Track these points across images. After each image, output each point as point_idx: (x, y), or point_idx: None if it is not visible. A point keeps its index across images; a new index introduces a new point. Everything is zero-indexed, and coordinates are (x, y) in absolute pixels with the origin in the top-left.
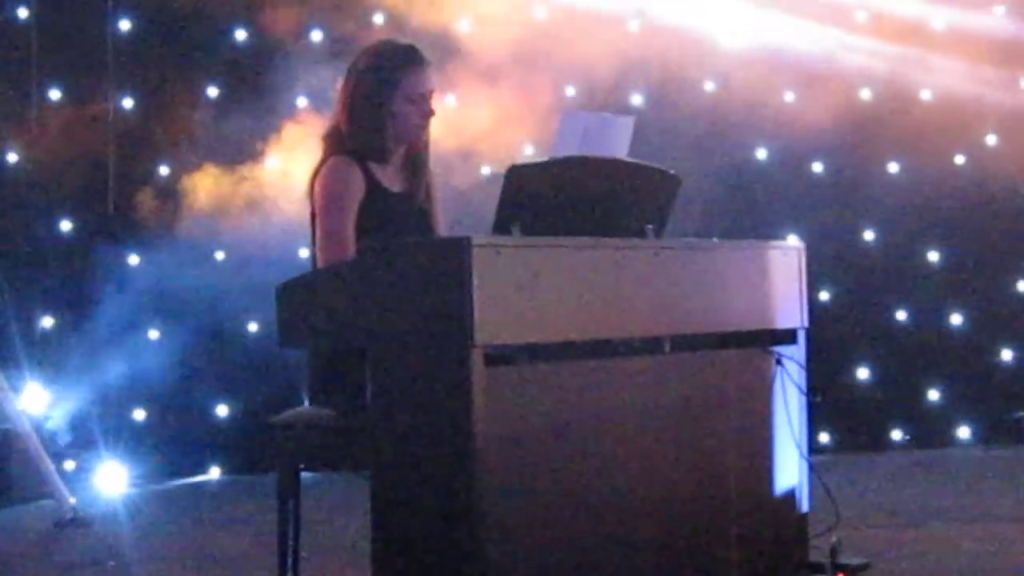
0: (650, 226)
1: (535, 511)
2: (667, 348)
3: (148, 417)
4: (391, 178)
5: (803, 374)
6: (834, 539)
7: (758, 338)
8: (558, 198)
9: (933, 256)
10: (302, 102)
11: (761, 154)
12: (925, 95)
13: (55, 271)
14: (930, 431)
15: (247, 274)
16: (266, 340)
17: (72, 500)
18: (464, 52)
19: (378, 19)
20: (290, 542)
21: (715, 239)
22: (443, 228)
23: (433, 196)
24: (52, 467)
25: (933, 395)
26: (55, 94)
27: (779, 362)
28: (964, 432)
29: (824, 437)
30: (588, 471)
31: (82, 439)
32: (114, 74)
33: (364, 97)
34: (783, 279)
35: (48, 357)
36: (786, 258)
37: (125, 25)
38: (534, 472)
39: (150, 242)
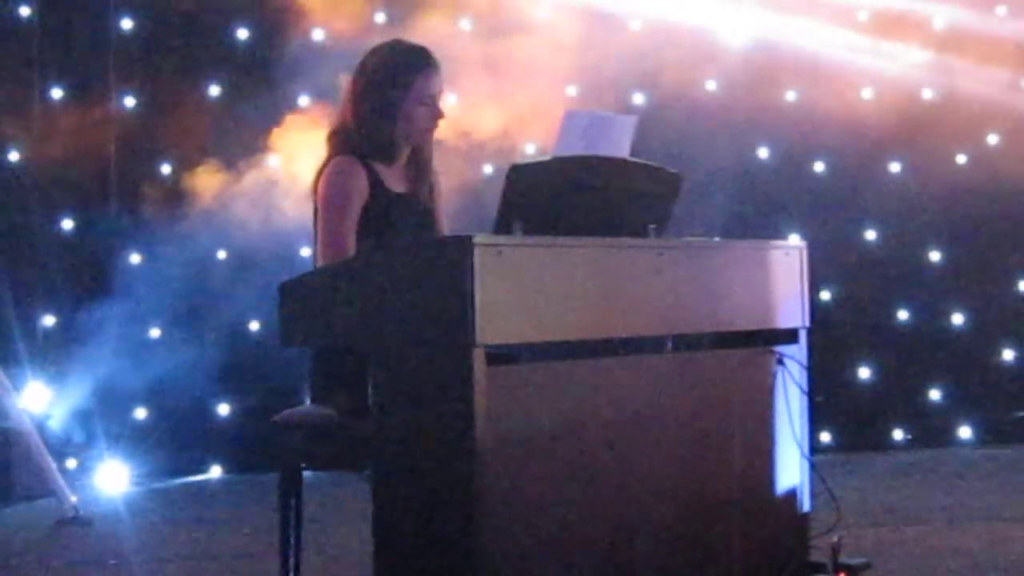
0: (652, 225)
1: (536, 510)
2: (669, 347)
3: (149, 416)
4: (395, 179)
5: (804, 374)
6: (835, 538)
7: (760, 337)
8: (560, 197)
9: (935, 256)
10: (304, 101)
11: (763, 153)
12: (927, 95)
13: (57, 269)
14: (931, 431)
15: (249, 273)
16: (268, 339)
17: (73, 499)
18: (466, 51)
19: (380, 18)
20: (291, 541)
21: (717, 238)
22: (447, 229)
23: (437, 196)
24: (53, 466)
25: (934, 395)
26: (57, 92)
27: (780, 362)
28: (965, 432)
29: (825, 436)
30: (589, 471)
31: (83, 438)
32: (116, 73)
33: (374, 98)
34: (785, 278)
35: (50, 355)
36: (788, 257)
37: (127, 23)
38: (535, 471)
39: (152, 241)
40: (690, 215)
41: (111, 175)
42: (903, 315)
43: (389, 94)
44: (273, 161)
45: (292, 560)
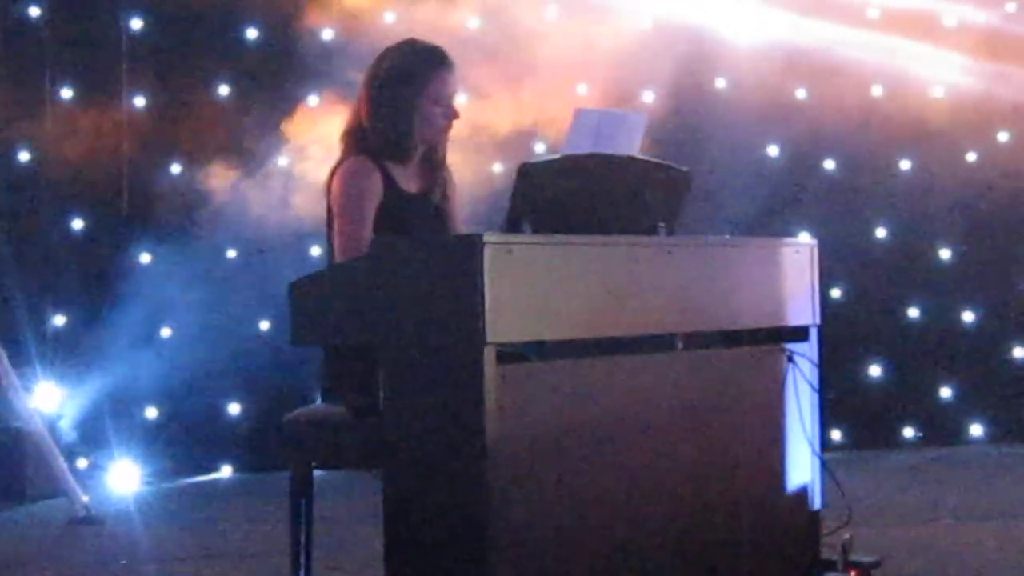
0: (662, 223)
1: (547, 508)
2: (679, 345)
3: (160, 415)
4: (408, 179)
5: (815, 371)
6: (846, 536)
7: (770, 335)
8: (570, 195)
9: (945, 253)
10: (314, 100)
11: (773, 151)
12: (937, 92)
13: (68, 270)
14: (942, 428)
15: (259, 272)
16: (278, 338)
17: (84, 498)
18: (475, 50)
19: (389, 17)
20: (302, 540)
21: (727, 236)
22: (462, 228)
23: (451, 196)
24: (65, 465)
25: (945, 392)
26: (68, 93)
27: (791, 359)
28: (976, 429)
29: (836, 434)
30: (599, 468)
31: (94, 437)
32: (126, 73)
33: (390, 97)
34: (795, 276)
35: (60, 356)
36: (798, 255)
37: (137, 24)
38: (546, 469)
39: (163, 240)
40: (700, 213)
41: (122, 175)
42: (914, 313)
43: (404, 94)
44: (283, 160)
45: (303, 559)
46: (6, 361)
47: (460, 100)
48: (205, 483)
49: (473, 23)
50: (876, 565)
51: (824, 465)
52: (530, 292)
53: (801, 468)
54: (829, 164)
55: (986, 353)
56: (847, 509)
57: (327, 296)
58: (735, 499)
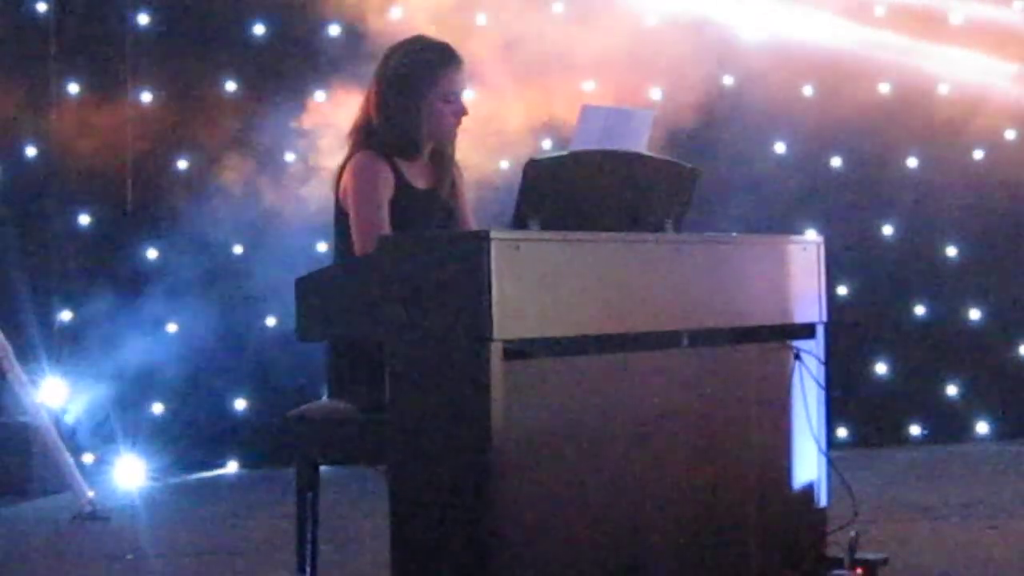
0: (669, 220)
1: (553, 504)
2: (685, 342)
3: (166, 411)
4: (417, 175)
5: (822, 369)
6: (852, 533)
7: (776, 332)
8: (577, 192)
9: (951, 251)
10: (320, 96)
11: (780, 148)
12: (943, 89)
13: (74, 265)
14: (948, 426)
15: (265, 267)
16: (284, 334)
17: (90, 494)
18: (483, 45)
19: (396, 14)
20: (308, 535)
21: (734, 233)
22: (471, 224)
23: (460, 192)
24: (70, 460)
25: (951, 390)
26: (74, 88)
27: (798, 357)
28: (983, 427)
29: (842, 432)
30: (606, 465)
31: (100, 433)
32: (133, 68)
33: (398, 94)
34: (802, 273)
35: (66, 350)
36: (805, 252)
37: (144, 19)
38: (552, 465)
39: (168, 236)
40: (707, 210)
41: (128, 170)
42: (920, 310)
43: (412, 92)
44: (290, 155)
45: (309, 554)
46: (12, 356)
47: (468, 96)
48: (211, 478)
49: (481, 19)
50: (883, 562)
51: (830, 462)
52: (537, 288)
53: (808, 465)
54: (836, 161)
55: (992, 351)
56: (853, 506)
57: (334, 292)
58: (741, 496)
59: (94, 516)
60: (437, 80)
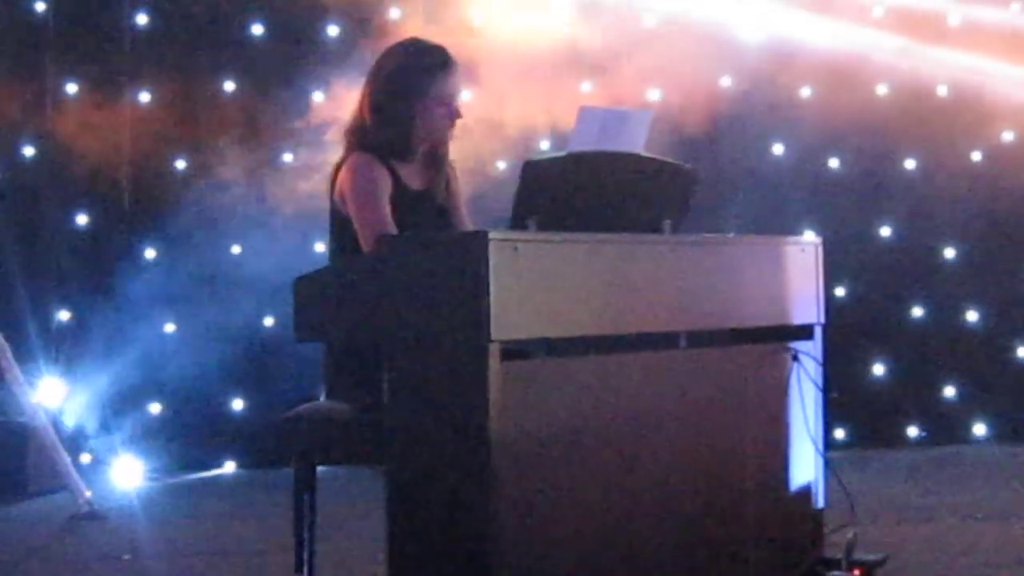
0: (667, 221)
1: (550, 504)
2: (683, 343)
3: (164, 411)
4: (412, 175)
5: (819, 370)
6: (850, 535)
7: (775, 334)
8: (575, 193)
9: (949, 252)
10: (319, 97)
11: (778, 149)
12: (942, 91)
13: (71, 265)
14: (946, 428)
15: (264, 268)
16: (282, 334)
17: (87, 493)
18: (481, 46)
19: (395, 14)
20: (305, 536)
21: (732, 234)
22: (466, 224)
23: (456, 192)
24: (68, 460)
25: (949, 391)
26: (72, 87)
27: (795, 358)
28: (980, 429)
29: (840, 433)
30: (604, 466)
31: (97, 432)
32: (131, 68)
33: (392, 97)
34: (800, 275)
35: (64, 351)
36: (803, 254)
37: (142, 19)
38: (550, 466)
39: (166, 236)
40: (705, 211)
41: (126, 170)
42: (918, 312)
43: (406, 95)
44: (288, 156)
45: (306, 555)
46: (10, 356)
47: (465, 96)
48: (208, 479)
49: (479, 19)
50: (880, 564)
51: (828, 464)
52: (535, 289)
53: (805, 466)
54: (835, 163)
55: (990, 352)
56: (851, 508)
57: (332, 292)
58: (739, 496)
59: (92, 516)
60: (431, 83)
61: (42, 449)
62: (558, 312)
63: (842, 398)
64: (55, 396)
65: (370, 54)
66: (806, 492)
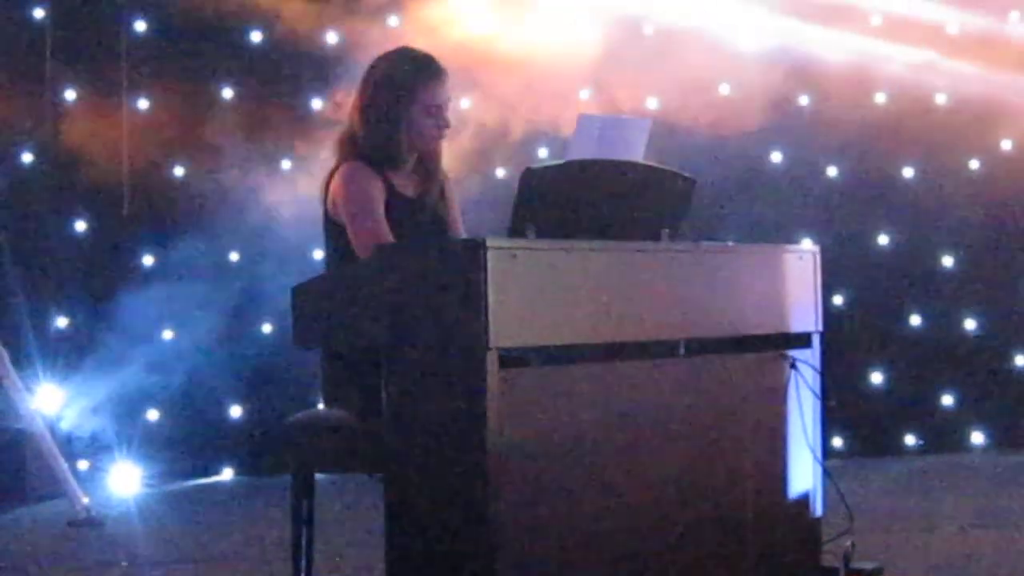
0: (665, 229)
1: (548, 513)
2: (681, 351)
3: (162, 418)
4: (405, 184)
5: (817, 378)
6: (847, 543)
7: (772, 342)
8: (573, 201)
9: (948, 261)
10: (317, 104)
11: (776, 157)
12: (940, 100)
13: (69, 271)
14: (944, 436)
15: (262, 274)
16: (280, 341)
17: (85, 500)
18: (480, 54)
19: (393, 21)
20: (303, 543)
21: (730, 242)
22: (461, 232)
23: (450, 199)
24: (65, 467)
25: (947, 400)
26: (70, 94)
27: (793, 366)
28: (978, 437)
29: (838, 441)
30: (602, 473)
31: (95, 439)
32: (129, 75)
33: (380, 107)
34: (798, 283)
35: (62, 357)
36: (801, 262)
37: (140, 26)
38: (548, 474)
39: (165, 243)
40: (703, 219)
41: (124, 177)
42: (916, 320)
43: (393, 104)
44: (285, 163)
45: (304, 563)
46: (8, 362)
47: (464, 104)
48: (206, 486)
49: (478, 27)
50: (877, 572)
51: (826, 472)
52: (533, 297)
53: (803, 475)
54: (832, 171)
55: (988, 361)
56: (849, 516)
57: (330, 299)
58: (737, 505)
59: (89, 523)
60: (418, 93)
61: (40, 455)
62: (556, 320)
63: (840, 406)
64: (53, 403)
65: (368, 61)
66: (804, 500)
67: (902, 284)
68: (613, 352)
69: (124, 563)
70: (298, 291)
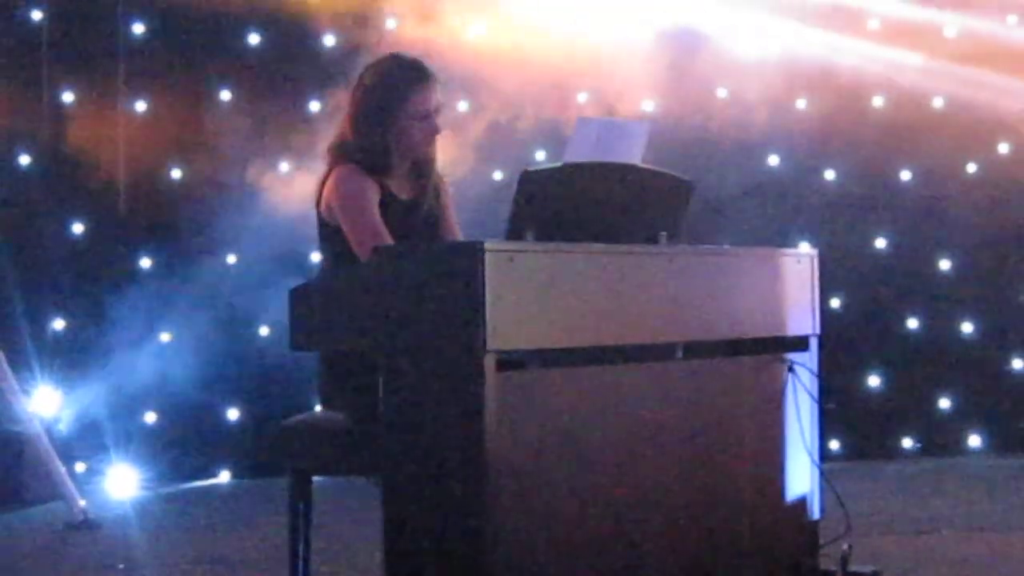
0: (663, 232)
1: (546, 516)
2: (679, 354)
3: (159, 420)
4: (399, 187)
5: (815, 381)
6: (845, 547)
7: (770, 345)
8: (571, 203)
9: (945, 264)
10: (314, 107)
11: (773, 161)
12: (938, 103)
13: (67, 273)
14: (941, 439)
15: (259, 277)
16: (277, 343)
17: (82, 503)
18: (477, 57)
19: (390, 24)
20: (300, 546)
21: (727, 246)
22: (457, 234)
23: (445, 202)
24: (62, 469)
25: (944, 403)
26: (68, 96)
27: (791, 369)
28: (975, 440)
29: (835, 444)
30: (599, 476)
31: (92, 442)
32: (126, 77)
33: (370, 113)
34: (795, 286)
35: (59, 359)
36: (798, 265)
37: (138, 28)
38: (545, 477)
39: (162, 245)
40: (701, 222)
41: (121, 179)
42: (913, 323)
43: (384, 110)
44: (282, 166)
45: (301, 565)
46: (5, 364)
47: (462, 107)
48: (203, 488)
49: (475, 30)
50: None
51: (823, 475)
52: (531, 300)
53: (800, 478)
54: (830, 174)
55: (985, 364)
56: (846, 519)
57: (327, 302)
58: (734, 508)
59: (86, 525)
60: (407, 99)
61: (37, 458)
62: (554, 322)
63: (837, 409)
64: (50, 405)
65: (366, 64)
66: (801, 503)
67: (899, 287)
68: (611, 355)
69: (121, 566)
70: (295, 294)
